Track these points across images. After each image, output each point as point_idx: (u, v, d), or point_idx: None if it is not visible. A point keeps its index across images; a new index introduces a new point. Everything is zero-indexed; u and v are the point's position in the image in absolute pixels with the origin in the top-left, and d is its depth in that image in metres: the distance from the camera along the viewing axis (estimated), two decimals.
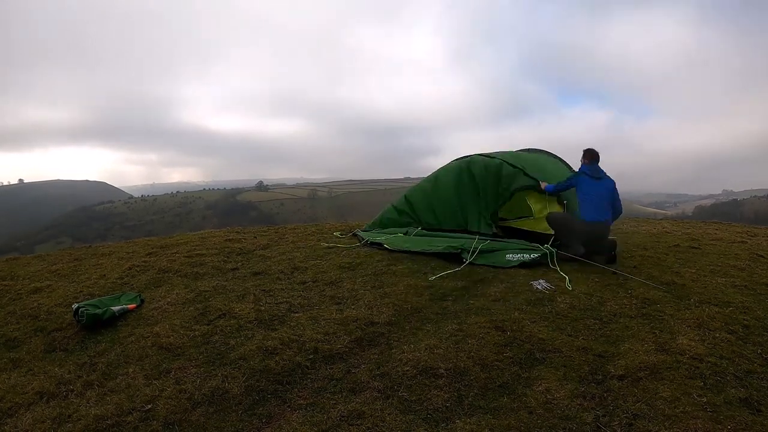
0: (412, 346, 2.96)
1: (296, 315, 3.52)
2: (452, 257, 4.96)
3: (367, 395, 2.46)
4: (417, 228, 6.09)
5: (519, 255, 4.76)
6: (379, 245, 5.61)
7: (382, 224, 6.56)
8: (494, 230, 5.59)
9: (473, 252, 4.89)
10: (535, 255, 4.73)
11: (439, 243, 5.36)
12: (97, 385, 2.64)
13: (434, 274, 4.45)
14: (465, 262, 4.76)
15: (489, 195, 5.72)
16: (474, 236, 5.36)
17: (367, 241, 5.91)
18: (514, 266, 4.63)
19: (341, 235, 6.59)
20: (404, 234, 5.98)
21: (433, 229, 5.95)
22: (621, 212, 5.32)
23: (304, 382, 2.64)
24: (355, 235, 6.50)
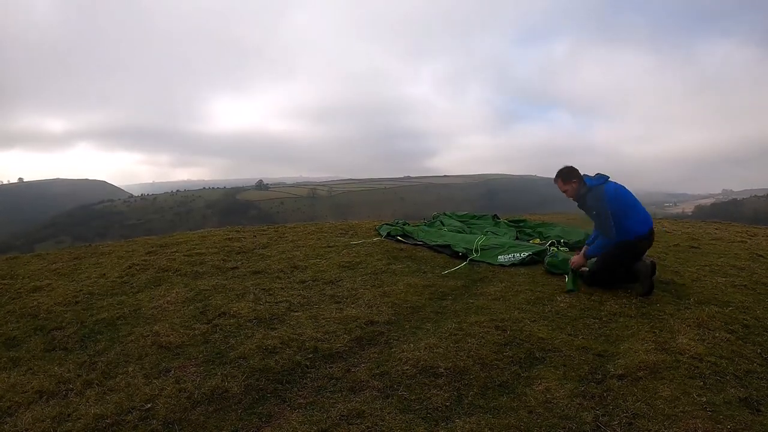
0: (412, 345, 2.95)
1: (296, 314, 3.52)
2: (457, 254, 5.20)
3: (367, 394, 2.46)
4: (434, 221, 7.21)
5: (510, 256, 4.93)
6: (394, 237, 6.13)
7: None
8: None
9: (474, 250, 5.16)
10: (525, 254, 4.90)
11: (450, 239, 5.76)
12: (97, 384, 2.63)
13: (433, 273, 4.47)
14: (467, 259, 4.99)
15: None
16: (480, 233, 5.97)
17: (385, 234, 6.32)
18: (504, 265, 4.80)
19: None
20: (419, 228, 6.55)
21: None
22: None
23: (304, 381, 2.63)
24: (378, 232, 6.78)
